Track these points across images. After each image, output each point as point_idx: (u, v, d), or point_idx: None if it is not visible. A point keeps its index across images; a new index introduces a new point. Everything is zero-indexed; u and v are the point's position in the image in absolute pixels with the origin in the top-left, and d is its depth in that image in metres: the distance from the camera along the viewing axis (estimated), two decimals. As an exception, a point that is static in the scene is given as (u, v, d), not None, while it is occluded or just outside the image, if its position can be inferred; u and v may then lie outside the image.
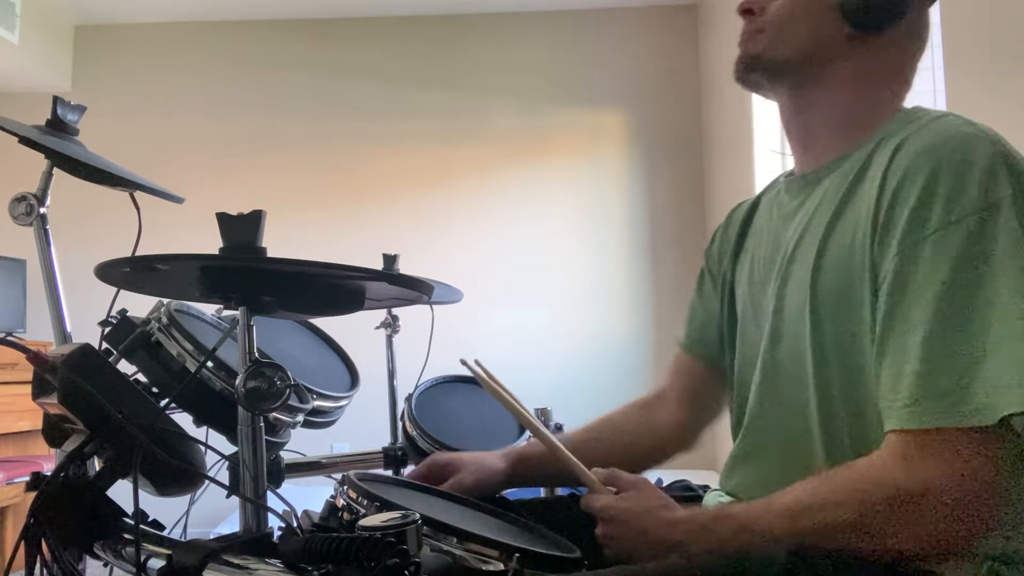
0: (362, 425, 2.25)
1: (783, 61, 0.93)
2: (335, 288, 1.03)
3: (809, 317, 0.85)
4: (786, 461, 0.89)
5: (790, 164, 1.04)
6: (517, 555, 0.80)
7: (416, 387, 1.78)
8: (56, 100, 1.24)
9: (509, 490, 1.16)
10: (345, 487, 0.96)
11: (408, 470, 1.76)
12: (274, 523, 0.88)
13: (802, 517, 0.76)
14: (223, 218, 0.86)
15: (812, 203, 0.91)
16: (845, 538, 0.74)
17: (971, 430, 0.70)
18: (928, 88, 2.22)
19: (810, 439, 0.86)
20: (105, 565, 0.88)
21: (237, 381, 0.88)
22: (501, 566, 0.80)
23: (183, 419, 1.02)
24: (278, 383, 0.88)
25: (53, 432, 0.90)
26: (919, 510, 0.71)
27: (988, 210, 0.73)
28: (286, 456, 1.58)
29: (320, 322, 1.76)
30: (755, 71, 0.96)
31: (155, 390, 1.16)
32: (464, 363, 1.05)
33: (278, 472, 1.52)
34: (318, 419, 1.49)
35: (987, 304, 0.71)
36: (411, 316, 1.97)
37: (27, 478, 0.87)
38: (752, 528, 0.78)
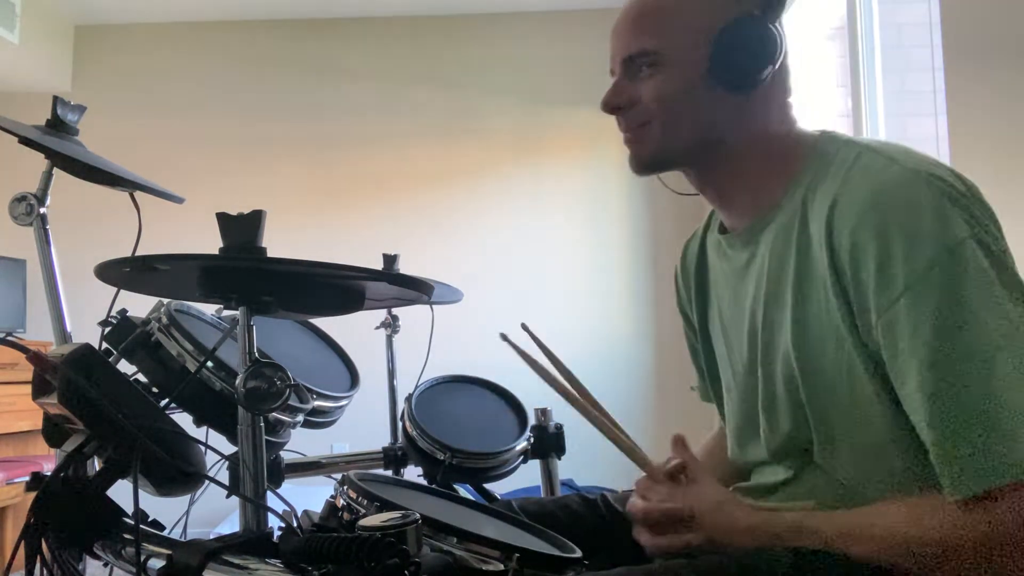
0: (362, 425, 2.25)
1: (681, 152, 0.92)
2: (335, 288, 1.03)
3: (803, 390, 0.84)
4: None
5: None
6: (517, 555, 0.80)
7: (416, 387, 1.78)
8: (56, 100, 1.24)
9: (509, 490, 1.17)
10: (345, 487, 0.96)
11: (408, 470, 1.77)
12: (274, 523, 0.88)
13: (895, 550, 0.75)
14: (223, 218, 0.86)
15: (759, 261, 0.90)
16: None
17: (1007, 487, 0.68)
18: (928, 88, 2.22)
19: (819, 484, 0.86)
20: (105, 565, 0.88)
21: (237, 381, 0.88)
22: (501, 566, 0.80)
23: (183, 419, 1.02)
24: (278, 383, 0.88)
25: (53, 432, 0.90)
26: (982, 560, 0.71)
27: (950, 255, 0.72)
28: (286, 456, 1.58)
29: (320, 322, 1.76)
30: (654, 168, 0.94)
31: (155, 390, 1.17)
32: (504, 338, 1.05)
33: (278, 472, 1.52)
34: (318, 419, 1.50)
35: (979, 357, 0.70)
36: (411, 316, 1.97)
37: (27, 478, 0.87)
38: (834, 546, 0.78)
